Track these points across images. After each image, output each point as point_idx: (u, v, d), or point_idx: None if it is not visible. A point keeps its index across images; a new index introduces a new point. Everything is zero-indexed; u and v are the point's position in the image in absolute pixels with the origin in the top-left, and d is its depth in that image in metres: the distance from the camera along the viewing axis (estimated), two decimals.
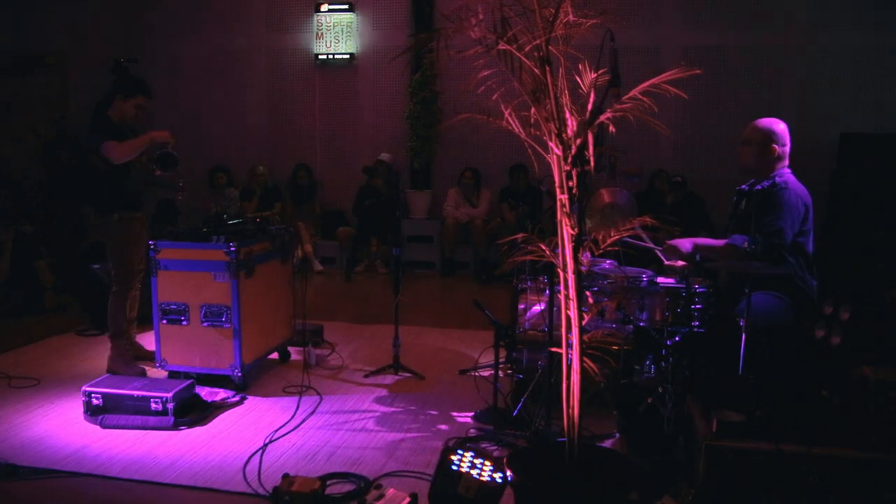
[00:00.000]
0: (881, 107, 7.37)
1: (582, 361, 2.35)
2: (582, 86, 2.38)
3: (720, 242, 3.47)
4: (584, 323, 2.40)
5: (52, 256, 6.48)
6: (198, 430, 3.55)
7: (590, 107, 2.32)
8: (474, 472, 2.61)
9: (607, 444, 3.28)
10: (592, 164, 2.31)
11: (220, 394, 3.93)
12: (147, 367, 4.35)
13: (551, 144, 2.32)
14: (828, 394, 2.75)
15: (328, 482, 2.89)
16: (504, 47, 2.30)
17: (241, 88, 8.95)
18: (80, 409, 3.67)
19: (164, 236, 4.17)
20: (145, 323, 4.60)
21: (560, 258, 2.38)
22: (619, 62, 2.65)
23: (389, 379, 4.38)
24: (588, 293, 3.22)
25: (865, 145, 6.80)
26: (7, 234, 6.39)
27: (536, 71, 2.29)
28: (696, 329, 3.20)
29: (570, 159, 2.30)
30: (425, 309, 6.22)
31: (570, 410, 2.37)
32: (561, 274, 2.39)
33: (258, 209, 8.09)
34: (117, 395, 3.60)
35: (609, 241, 2.46)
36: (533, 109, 2.34)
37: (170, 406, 3.54)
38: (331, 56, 8.57)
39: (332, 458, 3.25)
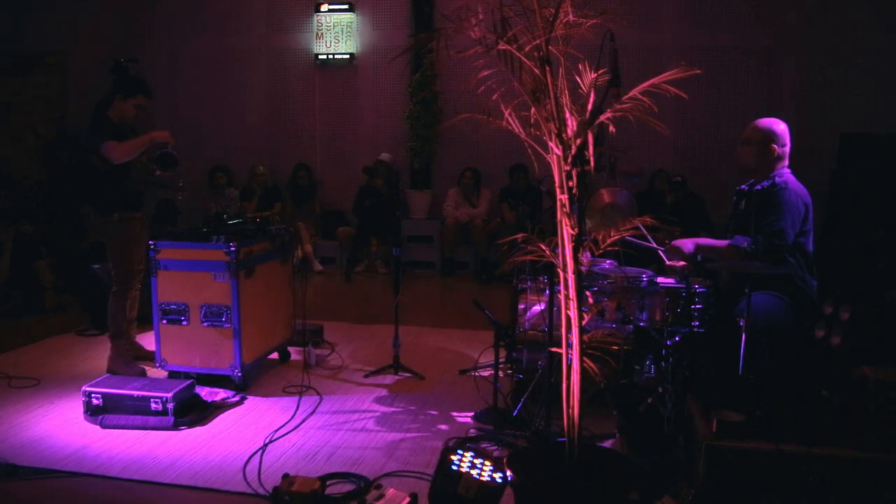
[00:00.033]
0: (881, 107, 7.36)
1: (582, 361, 2.35)
2: (582, 86, 2.38)
3: (723, 243, 3.47)
4: (584, 323, 2.40)
5: (52, 256, 6.48)
6: (198, 430, 3.55)
7: (590, 107, 2.32)
8: (474, 472, 2.61)
9: (607, 444, 3.28)
10: (592, 164, 2.31)
11: (220, 394, 3.93)
12: (147, 367, 4.35)
13: (551, 144, 2.32)
14: (828, 394, 2.75)
15: (328, 482, 2.89)
16: (504, 47, 2.30)
17: (241, 88, 8.95)
18: (80, 409, 3.67)
19: (164, 236, 4.17)
20: (145, 323, 4.60)
21: (560, 258, 2.38)
22: (619, 62, 2.65)
23: (389, 379, 4.38)
24: (588, 293, 3.22)
25: (865, 145, 6.79)
26: (7, 234, 6.39)
27: (536, 71, 2.29)
28: (696, 329, 3.19)
29: (570, 159, 2.30)
30: (425, 309, 6.22)
31: (570, 410, 2.37)
32: (561, 274, 2.39)
33: (258, 209, 8.09)
34: (117, 395, 3.60)
35: (609, 241, 2.46)
36: (533, 109, 2.34)
37: (170, 406, 3.54)
38: (331, 56, 8.57)
39: (332, 458, 3.25)
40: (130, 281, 4.39)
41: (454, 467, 2.63)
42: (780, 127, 3.50)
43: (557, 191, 2.35)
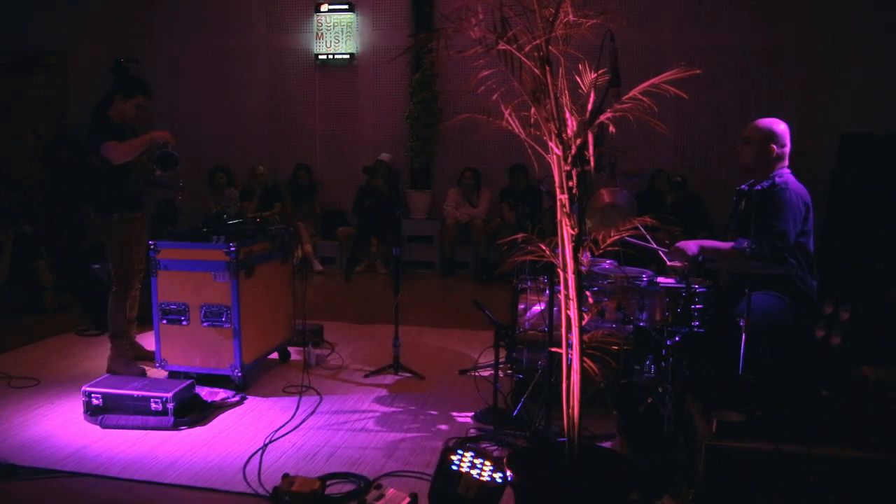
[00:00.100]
0: (881, 107, 7.36)
1: (582, 361, 2.35)
2: (582, 86, 2.38)
3: (726, 245, 3.47)
4: (584, 323, 2.40)
5: (52, 256, 6.48)
6: (198, 430, 3.55)
7: (590, 107, 2.32)
8: (474, 472, 2.61)
9: (607, 444, 3.28)
10: (592, 164, 2.31)
11: (220, 394, 3.93)
12: (147, 367, 4.35)
13: (551, 144, 2.32)
14: (828, 394, 2.75)
15: (328, 482, 2.89)
16: (504, 47, 2.30)
17: (241, 88, 8.95)
18: (80, 409, 3.67)
19: (164, 236, 4.17)
20: (145, 323, 4.60)
21: (560, 258, 2.38)
22: (619, 62, 2.65)
23: (389, 379, 4.38)
24: (588, 293, 3.22)
25: (865, 145, 6.79)
26: (7, 234, 6.40)
27: (536, 71, 2.29)
28: (696, 329, 3.19)
29: (570, 159, 2.30)
30: (425, 309, 6.22)
31: (570, 410, 2.37)
32: (561, 274, 2.39)
33: (258, 209, 8.09)
34: (117, 395, 3.60)
35: (609, 241, 2.46)
36: (533, 109, 2.34)
37: (170, 406, 3.54)
38: (331, 56, 8.57)
39: (332, 458, 3.25)
40: (130, 281, 4.39)
41: (454, 467, 2.63)
42: (780, 127, 3.50)
43: (557, 191, 2.35)
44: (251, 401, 3.96)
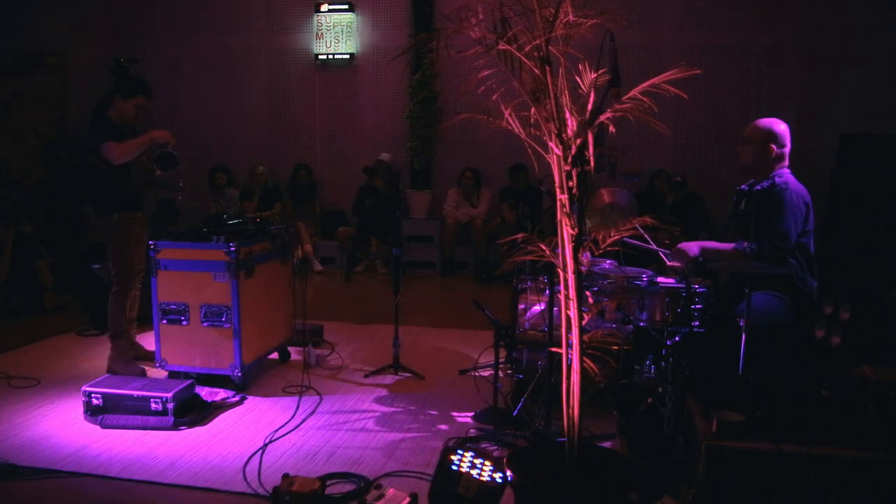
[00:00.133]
0: (881, 107, 7.36)
1: (582, 361, 2.35)
2: (582, 86, 2.38)
3: (728, 246, 3.47)
4: (584, 323, 2.40)
5: (52, 256, 6.48)
6: (198, 430, 3.55)
7: (590, 107, 2.32)
8: (474, 472, 2.61)
9: (607, 444, 3.28)
10: (592, 164, 2.31)
11: (220, 394, 3.93)
12: (147, 367, 4.35)
13: (551, 144, 2.32)
14: (828, 394, 2.75)
15: (328, 482, 2.89)
16: (504, 47, 2.30)
17: (241, 88, 8.95)
18: (80, 409, 3.67)
19: (164, 236, 4.17)
20: (145, 323, 4.60)
21: (560, 258, 2.38)
22: (619, 62, 2.65)
23: (389, 379, 4.38)
24: (588, 293, 3.22)
25: (865, 145, 6.79)
26: (7, 234, 6.40)
27: (536, 71, 2.29)
28: (696, 329, 3.19)
29: (570, 159, 2.30)
30: (425, 309, 6.22)
31: (570, 410, 2.37)
32: (561, 274, 2.39)
33: (258, 209, 8.09)
34: (117, 395, 3.60)
35: (609, 241, 2.46)
36: (533, 109, 2.34)
37: (170, 406, 3.54)
38: (331, 56, 8.57)
39: (332, 458, 3.25)
40: (130, 281, 4.39)
41: (454, 467, 2.63)
42: (781, 127, 3.50)
43: (557, 191, 2.35)
44: (251, 401, 3.96)
